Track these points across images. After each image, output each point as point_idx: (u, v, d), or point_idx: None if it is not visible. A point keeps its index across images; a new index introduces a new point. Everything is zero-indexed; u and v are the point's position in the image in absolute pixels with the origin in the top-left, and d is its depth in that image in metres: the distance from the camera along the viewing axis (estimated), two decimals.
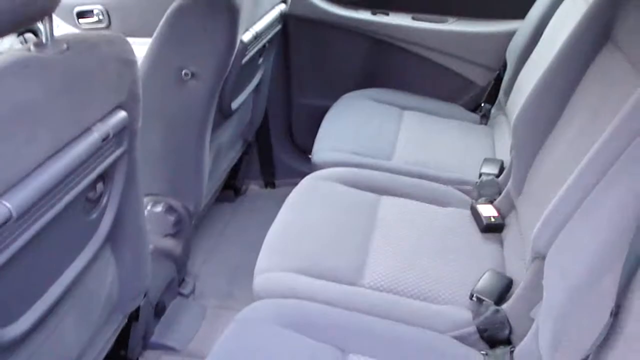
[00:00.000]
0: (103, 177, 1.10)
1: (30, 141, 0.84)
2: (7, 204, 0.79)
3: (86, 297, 1.19)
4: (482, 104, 2.18)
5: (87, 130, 0.97)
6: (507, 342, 1.19)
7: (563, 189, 1.07)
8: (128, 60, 1.07)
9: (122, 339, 1.48)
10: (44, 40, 0.90)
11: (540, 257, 1.10)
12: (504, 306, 1.22)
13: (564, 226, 1.02)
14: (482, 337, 1.20)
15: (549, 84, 1.37)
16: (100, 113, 1.01)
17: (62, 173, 0.91)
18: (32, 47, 0.89)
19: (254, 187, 2.51)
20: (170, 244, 1.79)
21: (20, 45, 1.01)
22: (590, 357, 0.82)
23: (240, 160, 2.29)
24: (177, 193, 1.72)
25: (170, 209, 1.72)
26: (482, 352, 1.17)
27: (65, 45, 0.92)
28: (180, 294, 1.89)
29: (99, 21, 2.45)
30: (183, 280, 1.94)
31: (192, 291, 1.92)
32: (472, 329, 1.21)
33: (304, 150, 2.03)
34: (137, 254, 1.36)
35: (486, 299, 1.24)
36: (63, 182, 0.93)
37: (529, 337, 1.09)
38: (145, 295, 1.48)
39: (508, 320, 1.20)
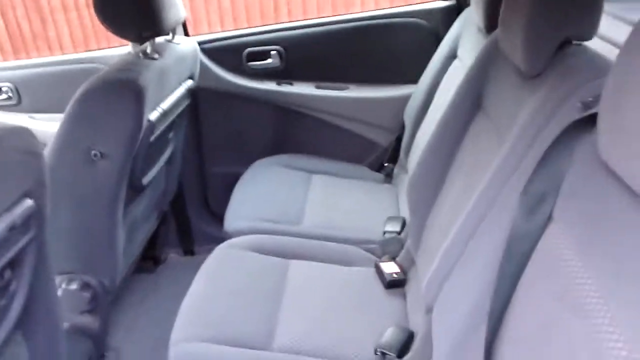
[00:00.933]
0: (11, 264, 1.12)
1: None
2: None
3: None
4: (386, 164, 2.30)
5: None
6: None
7: (446, 243, 1.18)
8: (33, 152, 1.11)
9: None
10: None
11: (431, 311, 1.20)
12: (406, 358, 1.31)
13: (447, 279, 1.12)
14: None
15: (434, 148, 1.49)
16: (5, 203, 1.04)
17: None
18: None
19: (173, 256, 2.53)
20: (86, 320, 1.78)
21: None
22: None
23: (157, 230, 2.32)
24: (91, 269, 1.73)
25: (85, 286, 1.73)
26: None
27: None
28: None
29: (9, 98, 2.46)
30: (103, 356, 1.92)
31: None
32: None
33: (220, 216, 2.08)
34: (49, 336, 1.36)
35: (389, 353, 1.32)
36: None
37: None
38: None
39: None
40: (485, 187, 1.12)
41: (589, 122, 0.81)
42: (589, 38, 1.05)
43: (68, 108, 1.55)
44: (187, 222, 2.48)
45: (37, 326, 1.28)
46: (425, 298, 1.22)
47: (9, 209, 1.05)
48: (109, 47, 2.51)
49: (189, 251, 2.52)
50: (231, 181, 2.16)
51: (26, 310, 1.21)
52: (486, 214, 1.08)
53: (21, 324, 1.21)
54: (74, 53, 2.79)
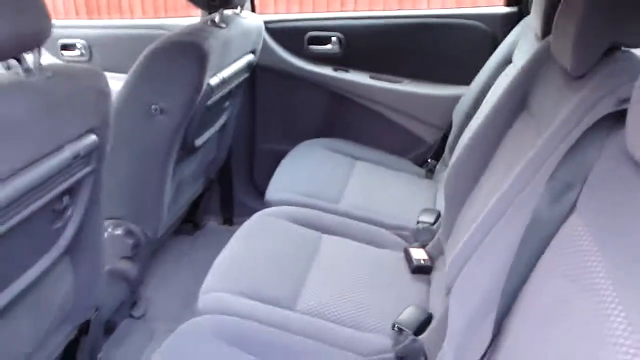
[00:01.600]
0: (70, 191, 1.23)
1: (11, 151, 0.98)
2: None
3: (42, 301, 1.30)
4: (429, 160, 2.34)
5: (60, 147, 1.11)
6: None
7: (469, 232, 1.23)
8: (103, 91, 1.21)
9: (71, 352, 1.57)
10: (31, 67, 1.05)
11: (450, 292, 1.26)
12: (422, 337, 1.36)
13: (466, 263, 1.18)
14: None
15: (475, 144, 1.54)
16: (74, 134, 1.15)
17: (37, 181, 1.04)
18: (20, 72, 1.04)
19: (212, 223, 2.63)
20: (126, 266, 1.89)
21: (2, 70, 1.14)
22: None
23: (201, 196, 2.42)
24: (137, 219, 1.84)
25: (129, 233, 1.84)
26: None
27: (50, 73, 1.07)
28: (131, 316, 1.99)
29: (81, 55, 2.61)
30: (135, 303, 2.04)
31: (144, 314, 2.02)
32: (391, 355, 1.34)
33: (262, 191, 2.16)
34: (93, 269, 1.47)
35: (406, 329, 1.37)
36: (36, 189, 1.06)
37: None
38: (96, 311, 1.58)
39: (424, 350, 1.34)
40: (517, 177, 1.16)
41: (621, 117, 0.85)
42: (637, 45, 1.08)
43: (135, 64, 1.66)
44: (231, 192, 2.58)
45: (83, 255, 1.39)
46: (446, 279, 1.27)
47: (75, 140, 1.15)
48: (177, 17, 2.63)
49: (228, 220, 2.62)
50: (278, 158, 2.24)
51: (76, 238, 1.32)
52: (513, 201, 1.13)
53: (71, 249, 1.32)
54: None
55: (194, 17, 2.27)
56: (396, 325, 1.39)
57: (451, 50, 2.35)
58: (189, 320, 1.34)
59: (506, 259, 1.02)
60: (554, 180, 0.94)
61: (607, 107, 0.92)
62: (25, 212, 1.07)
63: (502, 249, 1.06)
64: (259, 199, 2.53)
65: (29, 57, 1.04)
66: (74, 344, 1.55)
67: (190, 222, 2.52)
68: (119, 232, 1.83)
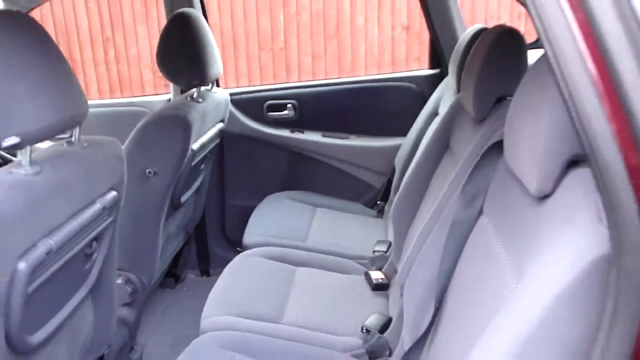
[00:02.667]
0: (97, 238, 1.54)
1: (62, 204, 1.30)
2: (51, 241, 1.23)
3: (74, 332, 1.58)
4: (378, 202, 2.72)
5: (93, 201, 1.43)
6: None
7: (412, 242, 1.60)
8: (121, 157, 1.55)
9: None
10: (73, 140, 1.38)
11: (402, 292, 1.61)
12: (385, 334, 1.70)
13: (412, 266, 1.54)
14: (370, 357, 1.67)
15: (413, 181, 1.90)
16: (102, 191, 1.47)
17: (78, 228, 1.36)
18: (64, 144, 1.37)
19: (191, 276, 2.91)
20: (125, 312, 2.15)
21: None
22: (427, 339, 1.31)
23: (180, 250, 2.72)
24: (134, 268, 2.12)
25: (128, 281, 2.11)
26: None
27: (85, 144, 1.40)
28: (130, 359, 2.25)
29: (71, 135, 2.91)
30: (132, 348, 2.29)
31: (140, 357, 2.28)
32: (363, 351, 1.67)
33: (235, 243, 2.43)
34: (108, 307, 1.75)
35: (372, 330, 1.71)
36: (77, 235, 1.37)
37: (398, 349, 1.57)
38: (109, 347, 1.86)
39: (388, 344, 1.67)
40: (442, 197, 1.54)
41: None
42: None
43: (131, 135, 1.99)
44: (206, 246, 2.89)
45: (101, 295, 1.68)
46: (399, 281, 1.63)
47: (103, 195, 1.47)
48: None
49: (205, 272, 2.91)
50: (247, 212, 2.57)
51: (98, 279, 1.61)
52: (441, 214, 1.50)
53: (93, 289, 1.61)
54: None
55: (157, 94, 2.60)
56: (364, 328, 1.72)
57: (389, 108, 2.78)
58: (196, 339, 1.64)
59: (439, 254, 1.38)
60: (464, 193, 1.32)
61: (496, 137, 1.31)
62: (68, 255, 1.37)
63: (436, 248, 1.42)
64: (232, 251, 2.84)
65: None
66: None
67: (171, 276, 2.80)
68: (119, 280, 2.10)
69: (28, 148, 1.20)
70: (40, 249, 1.21)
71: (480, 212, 1.29)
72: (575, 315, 0.78)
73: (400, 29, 5.11)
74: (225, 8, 5.29)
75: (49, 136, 1.25)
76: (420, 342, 1.38)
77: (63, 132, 1.32)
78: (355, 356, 1.65)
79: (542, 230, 0.91)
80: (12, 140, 1.14)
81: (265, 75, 5.53)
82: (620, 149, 0.69)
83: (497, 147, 1.29)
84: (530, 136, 0.93)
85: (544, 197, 0.94)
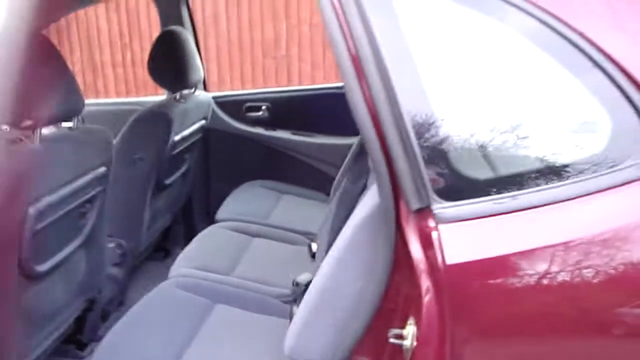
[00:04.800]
0: (89, 201, 2.04)
1: (60, 173, 1.80)
2: (52, 197, 1.74)
3: (69, 274, 2.08)
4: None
5: (85, 172, 1.93)
6: None
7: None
8: (110, 141, 2.05)
9: (79, 327, 2.33)
10: (72, 127, 1.89)
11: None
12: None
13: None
14: (295, 302, 2.14)
15: (344, 168, 2.40)
16: (93, 165, 1.97)
17: (73, 190, 1.86)
18: (67, 130, 1.88)
19: (178, 251, 3.40)
20: (115, 271, 2.63)
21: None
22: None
23: (169, 228, 3.23)
24: (124, 235, 2.61)
25: (119, 245, 2.60)
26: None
27: (83, 130, 1.91)
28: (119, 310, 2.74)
29: None
30: (122, 302, 2.79)
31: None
32: (290, 298, 2.14)
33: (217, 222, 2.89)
34: (98, 260, 2.25)
35: (301, 284, 2.18)
36: (72, 196, 1.87)
37: None
38: (100, 292, 2.35)
39: None
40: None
41: None
42: None
43: (124, 127, 2.50)
44: (193, 225, 3.38)
45: (93, 249, 2.17)
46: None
47: (94, 169, 1.98)
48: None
49: None
50: (227, 195, 3.06)
51: (90, 235, 2.11)
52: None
53: (86, 243, 2.11)
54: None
55: (157, 95, 3.11)
56: (295, 282, 2.19)
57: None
58: (162, 282, 2.14)
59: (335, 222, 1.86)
60: (351, 171, 1.80)
61: None
62: (66, 209, 1.87)
63: (335, 222, 1.90)
64: None
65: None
66: (81, 321, 2.31)
67: (161, 250, 3.31)
68: (111, 244, 2.60)
69: (38, 130, 1.70)
70: (44, 201, 1.72)
71: (364, 187, 1.77)
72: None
73: None
74: (233, 18, 5.85)
75: (54, 122, 1.76)
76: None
77: (65, 120, 1.83)
78: (284, 302, 2.13)
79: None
80: (27, 123, 1.65)
81: (269, 81, 6.06)
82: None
83: None
84: None
85: None
